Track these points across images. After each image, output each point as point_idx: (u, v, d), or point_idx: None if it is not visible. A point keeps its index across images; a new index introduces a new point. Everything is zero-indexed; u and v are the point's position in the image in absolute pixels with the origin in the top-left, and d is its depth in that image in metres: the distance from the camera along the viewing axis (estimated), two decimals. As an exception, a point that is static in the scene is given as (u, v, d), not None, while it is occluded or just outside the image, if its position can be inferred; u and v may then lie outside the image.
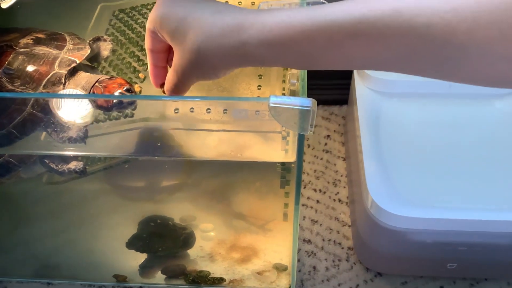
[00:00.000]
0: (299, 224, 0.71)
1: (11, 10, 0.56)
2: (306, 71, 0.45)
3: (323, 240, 0.70)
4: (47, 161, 0.52)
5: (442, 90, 0.69)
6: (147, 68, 0.49)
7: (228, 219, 0.61)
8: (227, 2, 0.66)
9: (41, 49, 0.53)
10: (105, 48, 0.59)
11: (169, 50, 0.46)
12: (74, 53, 0.54)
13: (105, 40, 0.59)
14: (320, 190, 0.76)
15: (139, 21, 0.65)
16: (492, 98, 0.69)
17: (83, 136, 0.49)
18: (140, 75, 0.59)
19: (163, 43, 0.44)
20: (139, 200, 0.61)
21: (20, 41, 0.54)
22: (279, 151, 0.49)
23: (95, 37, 0.59)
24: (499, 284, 0.65)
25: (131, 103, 0.49)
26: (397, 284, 0.65)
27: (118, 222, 0.62)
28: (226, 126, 0.49)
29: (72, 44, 0.55)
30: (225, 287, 0.65)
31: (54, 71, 0.51)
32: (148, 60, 0.47)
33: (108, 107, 0.47)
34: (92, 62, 0.58)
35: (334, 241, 0.70)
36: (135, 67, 0.60)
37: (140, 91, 0.57)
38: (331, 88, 0.83)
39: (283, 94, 0.56)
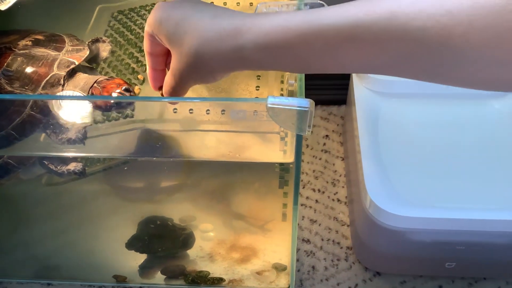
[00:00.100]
0: (298, 224, 0.72)
1: (10, 12, 0.56)
2: (303, 72, 0.46)
3: (322, 239, 0.70)
4: (46, 162, 0.52)
5: (440, 90, 0.69)
6: (146, 70, 0.49)
7: (228, 219, 0.61)
8: (225, 3, 0.66)
9: (40, 51, 0.53)
10: (104, 50, 0.59)
11: (168, 53, 0.46)
12: (73, 54, 0.54)
13: (104, 42, 0.59)
14: (319, 190, 0.76)
15: (137, 22, 0.65)
16: (491, 99, 0.70)
17: (82, 137, 0.49)
18: (139, 76, 0.59)
19: (162, 46, 0.44)
20: (139, 201, 0.62)
21: (19, 42, 0.54)
22: (277, 151, 0.49)
23: (94, 39, 0.59)
24: (497, 283, 0.65)
25: (130, 103, 0.49)
26: (396, 283, 0.66)
27: (117, 223, 0.63)
28: (224, 127, 0.49)
29: (71, 46, 0.55)
30: (224, 287, 0.65)
31: (53, 73, 0.51)
32: (147, 63, 0.47)
33: (107, 108, 0.47)
34: (91, 64, 0.58)
35: (333, 241, 0.70)
36: (134, 68, 0.60)
37: (139, 93, 0.57)
38: (329, 88, 0.83)
39: (281, 95, 0.56)
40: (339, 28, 0.34)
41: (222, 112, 0.48)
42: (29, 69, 0.51)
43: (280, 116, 0.40)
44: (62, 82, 0.51)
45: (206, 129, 0.50)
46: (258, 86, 0.58)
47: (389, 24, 0.32)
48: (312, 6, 0.50)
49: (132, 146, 0.52)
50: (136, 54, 0.61)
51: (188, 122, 0.50)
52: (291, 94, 0.50)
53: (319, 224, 0.72)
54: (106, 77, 0.52)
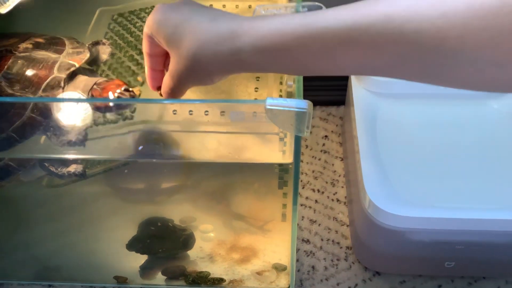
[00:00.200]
0: (298, 224, 0.72)
1: (10, 15, 0.56)
2: (302, 73, 0.46)
3: (322, 239, 0.70)
4: (47, 164, 0.53)
5: (438, 90, 0.69)
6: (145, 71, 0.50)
7: (227, 220, 0.61)
8: (224, 5, 0.66)
9: (40, 54, 0.54)
10: (104, 52, 0.59)
11: (166, 54, 0.46)
12: (73, 57, 0.54)
13: (104, 44, 0.59)
14: (318, 190, 0.76)
15: (137, 25, 0.65)
16: (490, 99, 0.70)
17: (83, 139, 0.50)
18: (139, 78, 0.59)
19: (160, 47, 0.44)
20: (139, 202, 0.62)
21: (19, 45, 0.54)
22: (276, 152, 0.50)
23: (94, 41, 0.59)
24: (497, 283, 0.65)
25: (130, 104, 0.49)
26: (396, 283, 0.66)
27: (118, 224, 0.63)
28: (224, 128, 0.50)
29: (71, 48, 0.55)
30: (225, 288, 0.65)
31: (53, 75, 0.52)
32: (146, 64, 0.48)
33: (107, 108, 0.48)
34: (92, 66, 0.58)
35: (333, 241, 0.70)
36: (134, 71, 0.60)
37: (140, 94, 0.58)
38: (328, 89, 0.83)
39: (280, 96, 0.56)
40: (336, 31, 0.34)
41: (222, 114, 0.48)
42: (29, 72, 0.51)
43: (278, 118, 0.41)
44: (62, 84, 0.51)
45: (205, 130, 0.50)
46: (257, 88, 0.58)
47: (385, 27, 0.33)
48: (310, 8, 0.50)
49: (132, 147, 0.52)
50: (136, 56, 0.62)
51: (188, 123, 0.51)
52: (290, 95, 0.51)
53: (319, 224, 0.72)
54: (105, 79, 0.52)
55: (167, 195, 0.60)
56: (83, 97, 0.51)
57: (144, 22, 0.65)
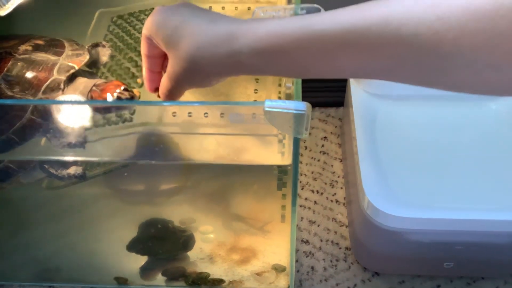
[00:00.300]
0: (297, 225, 0.72)
1: (10, 17, 0.56)
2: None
3: (321, 240, 0.71)
4: (46, 166, 0.53)
5: (437, 92, 0.69)
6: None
7: (227, 221, 0.62)
8: (224, 7, 0.66)
9: (40, 56, 0.54)
10: (104, 54, 0.59)
11: (165, 56, 0.46)
12: (73, 59, 0.54)
13: (103, 46, 0.60)
14: (317, 191, 0.76)
15: (137, 27, 0.66)
16: (488, 100, 0.70)
17: (83, 141, 0.50)
18: (139, 80, 0.59)
19: (159, 49, 0.44)
20: (139, 204, 0.62)
21: (19, 47, 0.54)
22: (275, 154, 0.50)
23: (93, 43, 0.59)
24: (496, 283, 0.65)
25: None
26: (395, 283, 0.66)
27: (118, 225, 0.63)
28: (223, 129, 0.50)
29: (71, 50, 0.55)
30: (224, 289, 0.65)
31: (53, 77, 0.52)
32: (144, 65, 0.48)
33: (107, 110, 0.48)
34: (91, 68, 0.58)
35: (332, 242, 0.70)
36: (133, 73, 0.60)
37: (139, 96, 0.58)
38: (327, 90, 0.83)
39: (279, 98, 0.56)
40: (333, 34, 0.35)
41: (221, 116, 0.48)
42: (29, 74, 0.52)
43: (277, 120, 0.41)
44: (62, 86, 0.51)
45: (205, 132, 0.50)
46: (257, 89, 0.58)
47: (382, 30, 0.33)
48: (309, 10, 0.50)
49: (132, 149, 0.52)
50: (135, 58, 0.62)
51: (187, 125, 0.51)
52: (289, 97, 0.51)
53: (318, 225, 0.72)
54: (104, 80, 0.52)
55: (167, 197, 0.60)
56: (83, 99, 0.51)
57: (143, 24, 0.65)
